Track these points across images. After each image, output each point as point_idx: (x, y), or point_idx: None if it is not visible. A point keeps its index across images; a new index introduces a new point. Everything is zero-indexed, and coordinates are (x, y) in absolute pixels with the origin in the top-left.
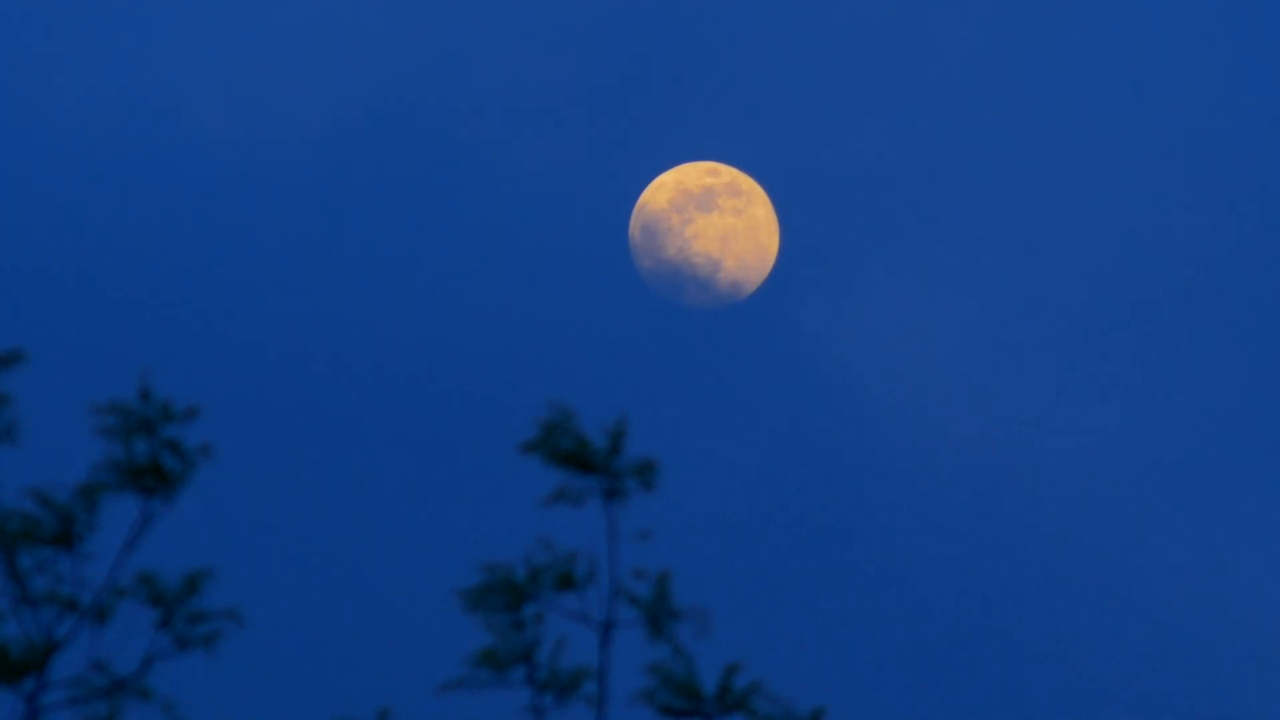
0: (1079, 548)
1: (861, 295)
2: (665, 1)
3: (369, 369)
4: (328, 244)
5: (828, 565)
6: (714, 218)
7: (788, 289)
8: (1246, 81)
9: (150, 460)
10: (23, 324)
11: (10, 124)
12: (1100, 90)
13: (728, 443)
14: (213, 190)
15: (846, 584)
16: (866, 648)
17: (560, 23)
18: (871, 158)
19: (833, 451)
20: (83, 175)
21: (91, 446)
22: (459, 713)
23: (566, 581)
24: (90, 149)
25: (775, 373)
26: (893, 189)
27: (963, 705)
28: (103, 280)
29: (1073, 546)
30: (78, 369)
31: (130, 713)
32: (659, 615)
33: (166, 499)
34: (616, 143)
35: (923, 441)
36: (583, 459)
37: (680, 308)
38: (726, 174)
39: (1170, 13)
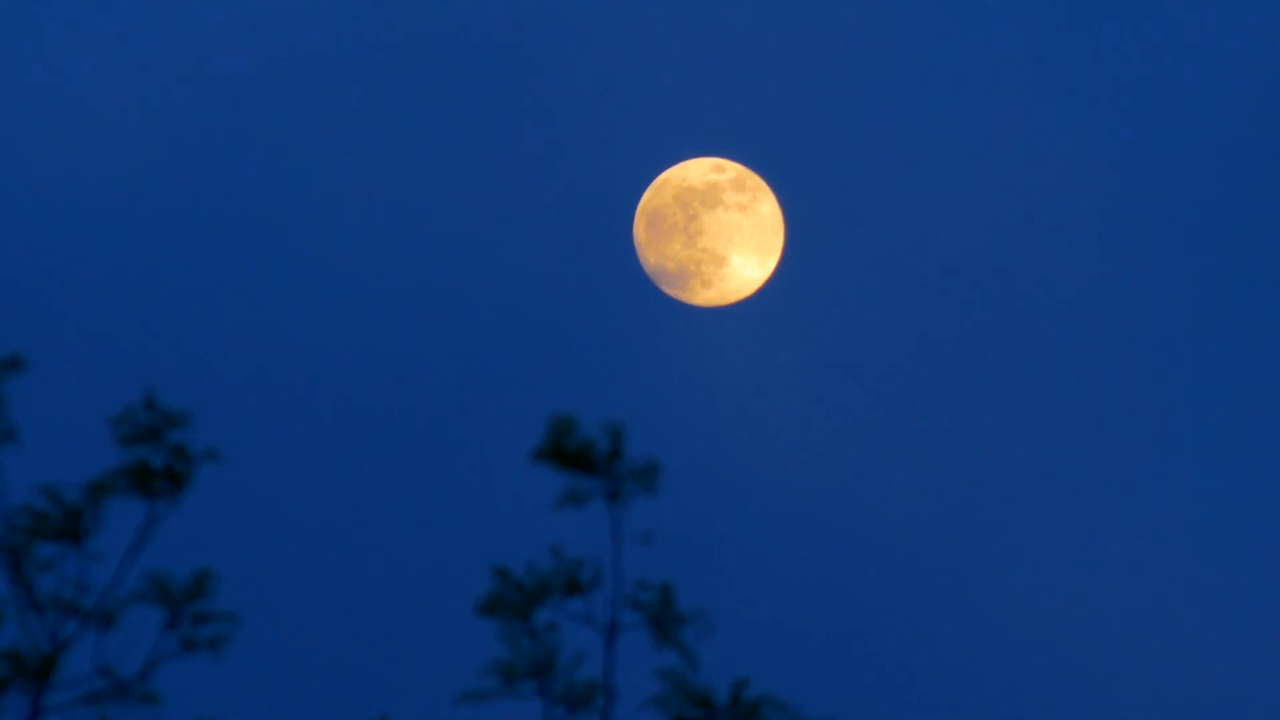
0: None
1: (859, 294)
2: None
3: (373, 370)
4: (329, 243)
5: (827, 566)
6: (719, 214)
7: (793, 286)
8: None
9: (156, 464)
10: (23, 327)
11: None
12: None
13: (731, 441)
14: (205, 188)
15: (849, 584)
16: (868, 653)
17: (561, 18)
18: (875, 153)
19: (834, 449)
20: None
21: (96, 449)
22: None
23: (573, 587)
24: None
25: (779, 371)
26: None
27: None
28: (101, 284)
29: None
30: (79, 373)
31: (135, 715)
32: (663, 619)
33: (172, 501)
34: (619, 138)
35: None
36: (586, 460)
37: (684, 306)
38: (732, 170)
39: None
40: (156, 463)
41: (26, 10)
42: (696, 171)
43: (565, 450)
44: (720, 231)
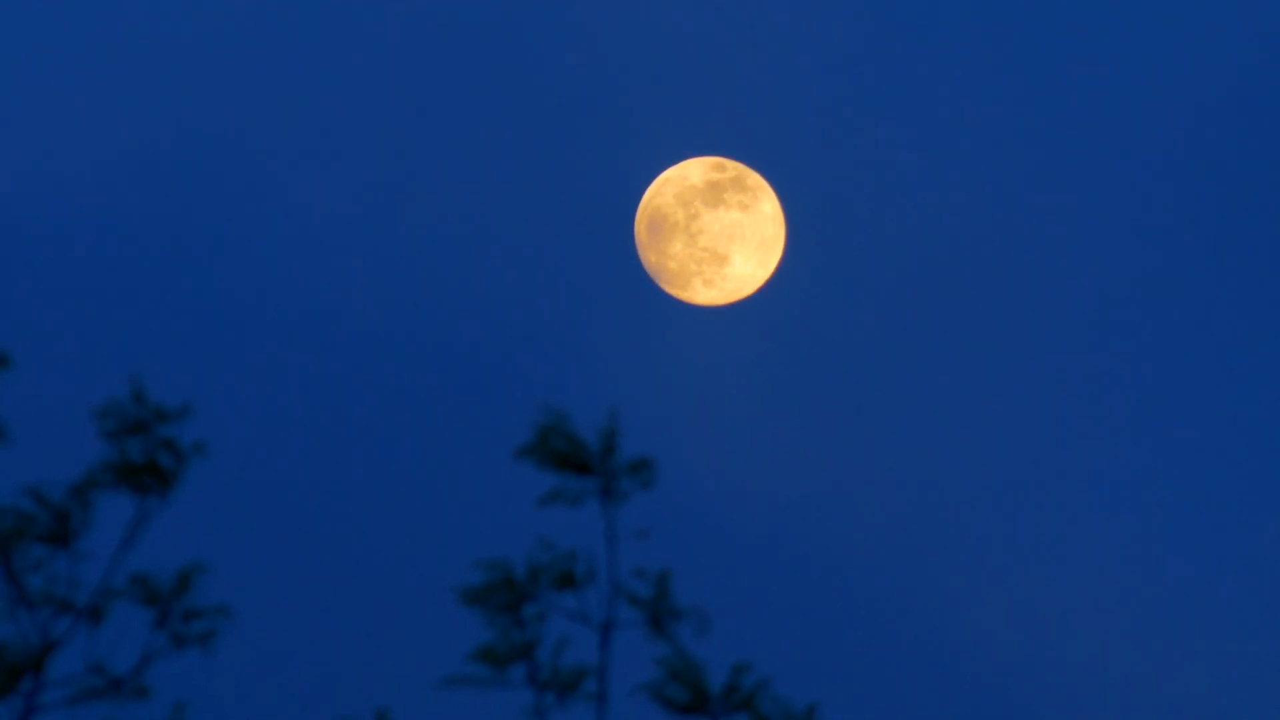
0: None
1: (860, 294)
2: None
3: (367, 364)
4: (326, 239)
5: (826, 565)
6: (720, 213)
7: (793, 286)
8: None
9: (145, 459)
10: (11, 323)
11: None
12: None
13: (733, 440)
14: (197, 183)
15: (847, 586)
16: (862, 647)
17: (561, 18)
18: (875, 154)
19: (835, 449)
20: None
21: (85, 447)
22: (459, 712)
23: (566, 581)
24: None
25: (780, 370)
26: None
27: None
28: (87, 279)
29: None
30: (67, 369)
31: (128, 713)
32: (659, 614)
33: (162, 497)
34: (619, 138)
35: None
36: (577, 460)
37: (685, 305)
38: (732, 169)
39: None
40: (143, 456)
41: (12, 8)
42: (697, 171)
43: (554, 450)
44: (721, 231)
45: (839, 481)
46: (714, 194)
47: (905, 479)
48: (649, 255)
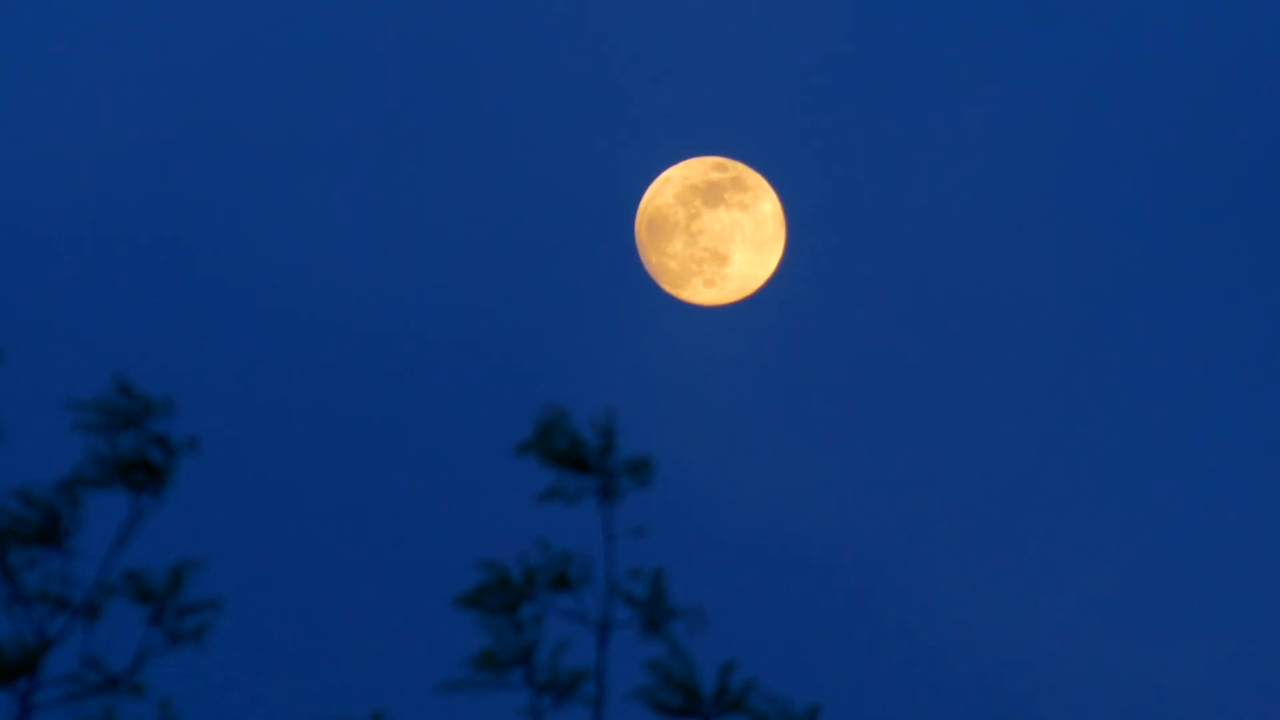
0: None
1: (860, 294)
2: None
3: (363, 363)
4: (326, 237)
5: (825, 567)
6: (720, 213)
7: (793, 286)
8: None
9: (137, 455)
10: (2, 319)
11: None
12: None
13: (732, 440)
14: (202, 179)
15: (844, 585)
16: (861, 648)
17: (561, 18)
18: (875, 153)
19: (836, 448)
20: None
21: (76, 445)
22: (455, 713)
23: (562, 582)
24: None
25: (780, 370)
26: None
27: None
28: (78, 273)
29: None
30: (54, 366)
31: (124, 710)
32: (655, 614)
33: (155, 494)
34: (619, 138)
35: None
36: (577, 458)
37: (686, 305)
38: (733, 168)
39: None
40: (134, 452)
41: (13, 8)
42: (698, 170)
43: (554, 447)
44: (722, 230)
45: (837, 481)
46: (714, 194)
47: (903, 479)
48: (649, 255)
